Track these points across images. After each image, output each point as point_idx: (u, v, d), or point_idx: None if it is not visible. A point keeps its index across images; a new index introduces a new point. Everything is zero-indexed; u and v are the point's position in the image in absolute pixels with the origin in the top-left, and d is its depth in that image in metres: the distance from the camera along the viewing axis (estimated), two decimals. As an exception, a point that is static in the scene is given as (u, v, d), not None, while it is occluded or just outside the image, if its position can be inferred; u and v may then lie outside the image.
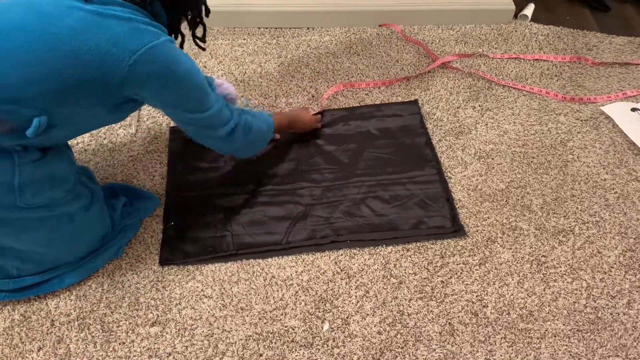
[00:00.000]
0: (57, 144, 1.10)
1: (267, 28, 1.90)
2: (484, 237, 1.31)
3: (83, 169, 1.27)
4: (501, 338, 1.14)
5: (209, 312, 1.18)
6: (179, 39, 1.20)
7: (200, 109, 1.10)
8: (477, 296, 1.20)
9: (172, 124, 1.55)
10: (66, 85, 0.93)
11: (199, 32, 1.22)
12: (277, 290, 1.21)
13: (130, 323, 1.16)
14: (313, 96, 1.65)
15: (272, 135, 1.34)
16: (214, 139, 1.18)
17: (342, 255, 1.27)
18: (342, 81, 1.70)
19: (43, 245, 1.13)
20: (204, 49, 1.26)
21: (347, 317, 1.17)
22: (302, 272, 1.24)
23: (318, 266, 1.25)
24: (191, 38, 1.23)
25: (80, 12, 0.91)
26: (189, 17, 1.17)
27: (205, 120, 1.12)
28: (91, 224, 1.19)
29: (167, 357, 1.11)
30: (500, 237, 1.31)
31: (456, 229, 1.32)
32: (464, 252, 1.28)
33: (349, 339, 1.14)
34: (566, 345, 1.13)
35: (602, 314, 1.18)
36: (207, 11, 1.20)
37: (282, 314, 1.18)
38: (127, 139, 1.51)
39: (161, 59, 0.97)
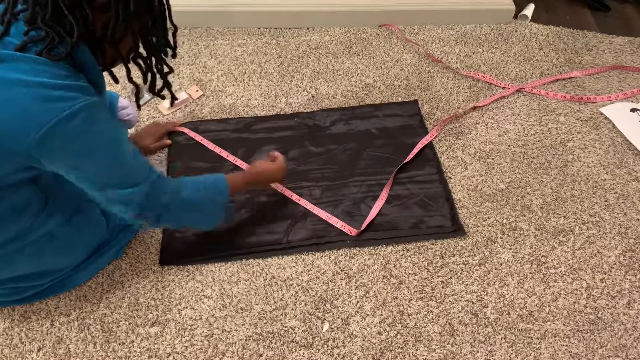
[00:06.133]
0: None
1: (267, 28, 1.90)
2: (484, 237, 1.31)
3: None
4: (501, 338, 1.14)
5: (208, 312, 1.18)
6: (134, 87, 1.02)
7: (121, 184, 0.93)
8: (477, 296, 1.20)
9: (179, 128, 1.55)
10: None
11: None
12: (277, 291, 1.21)
13: (130, 323, 1.16)
14: (313, 96, 1.65)
15: (224, 201, 1.13)
16: (137, 218, 1.00)
17: (342, 255, 1.27)
18: (341, 81, 1.69)
19: (33, 268, 1.10)
20: (175, 98, 1.11)
21: (347, 318, 1.17)
22: (302, 272, 1.24)
23: (318, 266, 1.25)
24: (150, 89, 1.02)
25: None
26: (142, 62, 0.97)
27: (127, 198, 0.95)
28: (79, 233, 1.12)
29: (167, 357, 1.11)
30: (500, 237, 1.31)
31: (456, 229, 1.32)
32: (464, 252, 1.28)
33: (349, 339, 1.14)
34: (566, 345, 1.13)
35: (602, 314, 1.18)
36: (168, 51, 0.98)
37: (282, 314, 1.18)
38: (127, 139, 1.51)
39: (72, 132, 0.82)
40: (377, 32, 1.89)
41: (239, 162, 1.46)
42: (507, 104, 1.63)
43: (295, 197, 1.38)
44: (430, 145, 1.51)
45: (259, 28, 1.90)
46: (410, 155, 1.46)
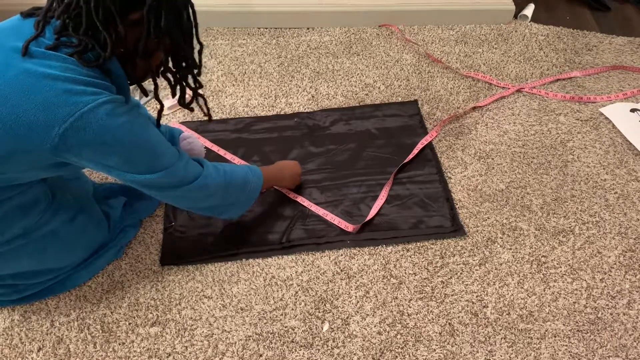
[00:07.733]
0: None
1: (267, 28, 1.90)
2: (484, 237, 1.31)
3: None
4: (501, 338, 1.14)
5: (208, 312, 1.18)
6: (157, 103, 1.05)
7: (151, 170, 0.96)
8: (477, 296, 1.20)
9: (172, 122, 1.55)
10: None
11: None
12: (277, 291, 1.21)
13: (130, 323, 1.16)
14: (313, 96, 1.65)
15: (260, 187, 1.19)
16: (179, 199, 1.06)
17: (342, 255, 1.27)
18: (341, 81, 1.69)
19: (34, 265, 1.10)
20: (210, 118, 1.15)
21: (347, 318, 1.17)
22: (302, 272, 1.24)
23: (318, 266, 1.25)
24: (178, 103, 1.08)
25: (12, 71, 0.82)
26: (171, 76, 1.01)
27: (160, 181, 0.98)
28: (82, 232, 1.14)
29: (167, 357, 1.11)
30: (500, 238, 1.31)
31: (456, 229, 1.32)
32: (464, 253, 1.28)
33: (349, 340, 1.14)
34: (566, 345, 1.13)
35: (602, 314, 1.18)
36: (196, 67, 1.01)
37: (282, 314, 1.18)
38: (127, 139, 1.51)
39: (96, 124, 0.85)
40: (377, 32, 1.89)
41: (236, 161, 1.46)
42: (507, 104, 1.63)
43: (293, 196, 1.38)
44: (430, 146, 1.51)
45: (259, 28, 1.90)
46: (410, 156, 1.46)
